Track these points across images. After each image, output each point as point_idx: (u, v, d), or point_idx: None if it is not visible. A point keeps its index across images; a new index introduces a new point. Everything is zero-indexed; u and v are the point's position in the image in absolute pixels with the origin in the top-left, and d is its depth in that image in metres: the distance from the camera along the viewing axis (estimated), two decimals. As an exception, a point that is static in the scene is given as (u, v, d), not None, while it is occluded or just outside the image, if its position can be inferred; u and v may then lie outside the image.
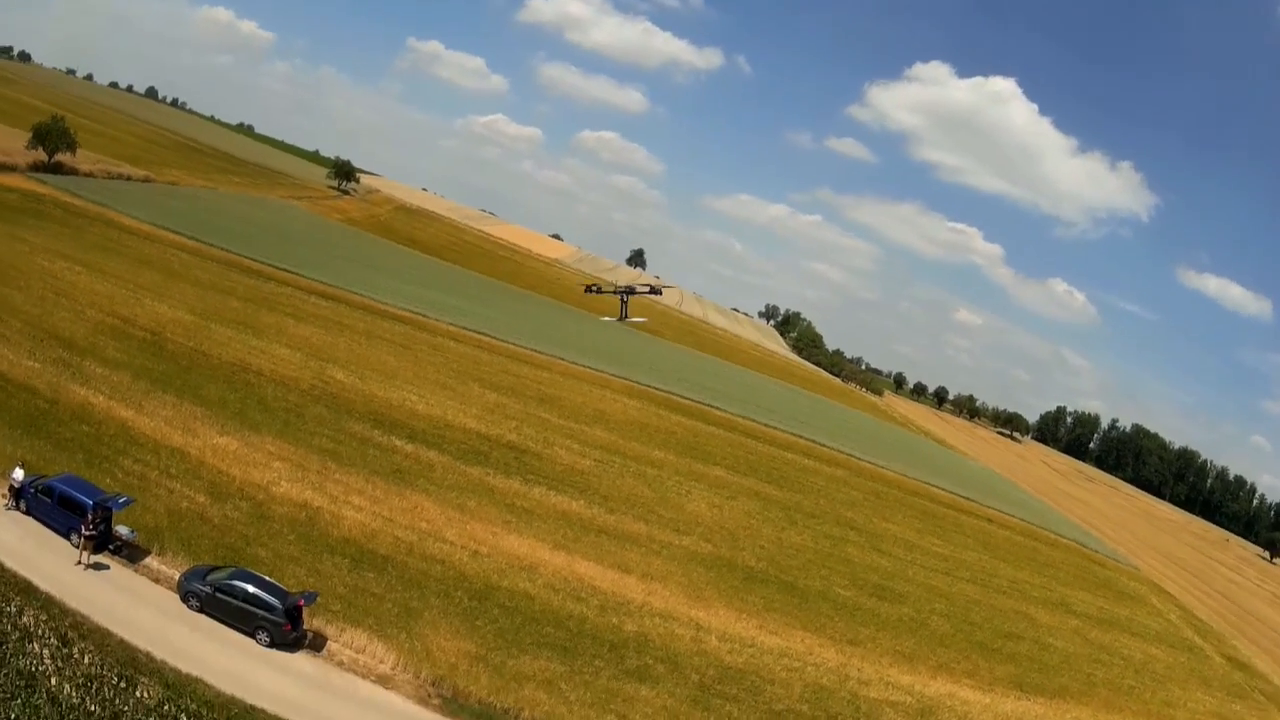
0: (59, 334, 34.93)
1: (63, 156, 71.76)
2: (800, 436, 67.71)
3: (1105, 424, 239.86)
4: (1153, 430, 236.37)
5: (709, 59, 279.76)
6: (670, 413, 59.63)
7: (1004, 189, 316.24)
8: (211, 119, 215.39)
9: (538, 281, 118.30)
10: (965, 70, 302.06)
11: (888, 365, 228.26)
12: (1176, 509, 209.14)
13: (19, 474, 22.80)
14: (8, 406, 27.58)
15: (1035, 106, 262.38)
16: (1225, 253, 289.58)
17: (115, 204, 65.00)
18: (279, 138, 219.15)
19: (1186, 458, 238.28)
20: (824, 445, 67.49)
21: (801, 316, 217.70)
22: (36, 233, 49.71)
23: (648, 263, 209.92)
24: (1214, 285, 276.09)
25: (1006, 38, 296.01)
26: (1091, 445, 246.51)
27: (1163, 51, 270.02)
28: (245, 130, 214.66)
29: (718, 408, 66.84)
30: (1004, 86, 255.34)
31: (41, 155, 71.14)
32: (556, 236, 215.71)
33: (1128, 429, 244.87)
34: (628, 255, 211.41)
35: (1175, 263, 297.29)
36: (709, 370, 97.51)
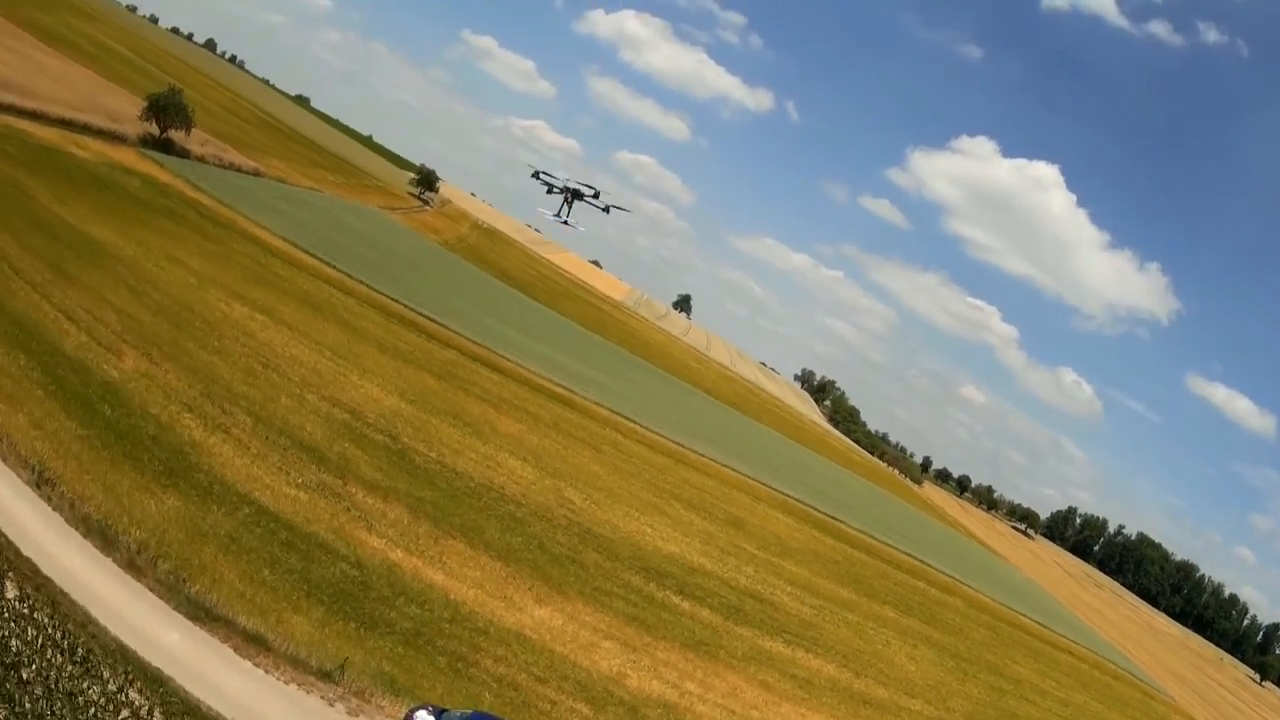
0: (296, 435, 28.54)
1: (176, 134, 61.64)
2: (919, 560, 66.31)
3: (1112, 528, 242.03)
4: (1156, 539, 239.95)
5: (759, 100, 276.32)
6: (821, 533, 57.27)
7: (1030, 273, 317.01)
8: (266, 83, 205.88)
9: (626, 336, 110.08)
10: (1010, 150, 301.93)
11: (885, 427, 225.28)
12: (1173, 623, 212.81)
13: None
14: (309, 576, 21.34)
15: (1075, 197, 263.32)
16: (1239, 366, 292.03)
17: (241, 206, 57.11)
18: (327, 111, 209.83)
19: (1186, 571, 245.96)
20: (936, 569, 66.29)
21: (836, 385, 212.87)
22: (183, 247, 42.25)
23: (693, 309, 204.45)
24: (1222, 396, 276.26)
25: (1057, 124, 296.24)
26: (1096, 548, 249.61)
27: (1209, 161, 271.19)
28: (302, 103, 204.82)
29: (842, 520, 64.31)
30: (1046, 173, 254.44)
31: (153, 128, 61.11)
32: (596, 263, 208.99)
33: (1133, 536, 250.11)
34: (674, 300, 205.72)
35: (1187, 369, 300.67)
36: (803, 463, 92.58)
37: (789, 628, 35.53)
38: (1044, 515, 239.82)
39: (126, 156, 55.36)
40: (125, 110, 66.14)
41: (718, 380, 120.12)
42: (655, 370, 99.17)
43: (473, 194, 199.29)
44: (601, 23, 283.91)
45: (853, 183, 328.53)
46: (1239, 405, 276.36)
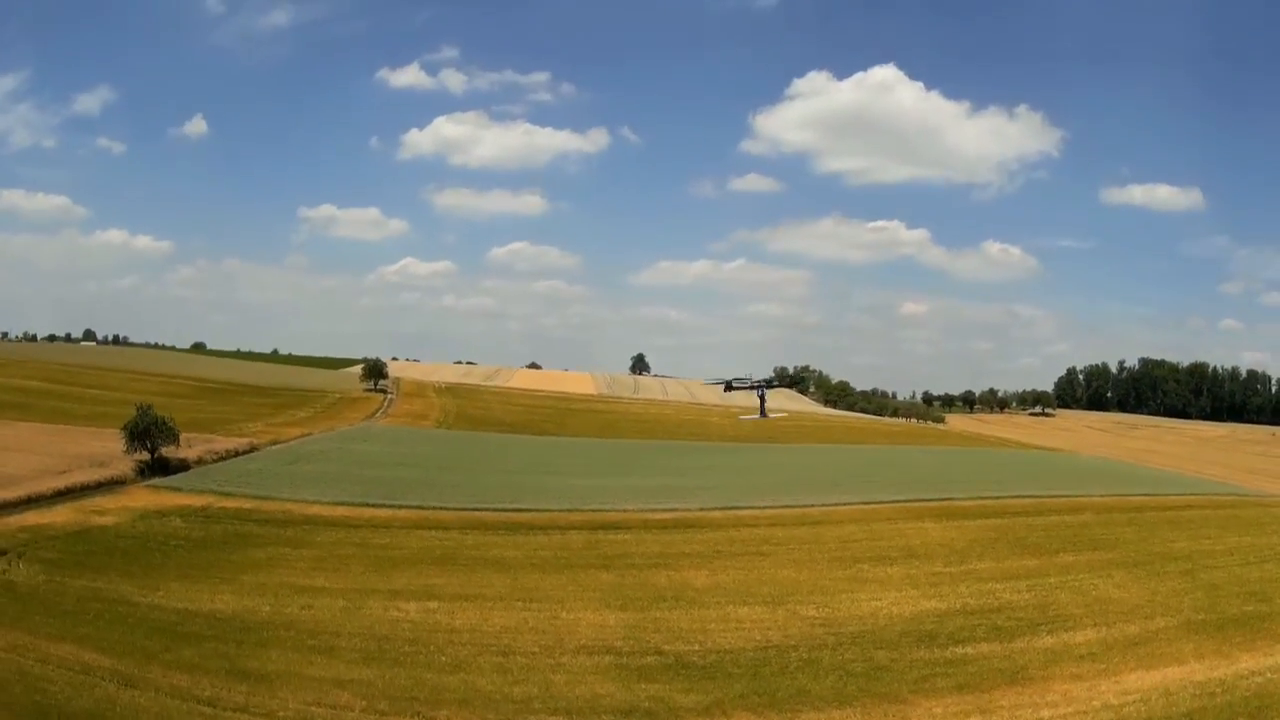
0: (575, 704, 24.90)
1: (168, 450, 56.95)
2: (1028, 496, 61.79)
3: (1114, 368, 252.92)
4: (1157, 357, 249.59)
5: (596, 140, 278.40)
6: (951, 520, 52.11)
7: (913, 174, 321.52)
8: (161, 346, 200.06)
9: (646, 427, 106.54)
10: (842, 72, 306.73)
11: (850, 379, 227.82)
12: (1214, 424, 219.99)
13: None
14: None
15: (920, 84, 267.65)
16: (1143, 158, 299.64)
17: (280, 492, 52.10)
18: (223, 346, 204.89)
19: (1199, 373, 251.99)
20: (1045, 496, 62.16)
21: (810, 368, 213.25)
22: (286, 570, 37.48)
23: (650, 365, 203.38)
24: (1139, 194, 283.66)
25: (873, 26, 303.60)
26: (1109, 394, 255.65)
27: None
28: (199, 349, 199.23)
29: (951, 498, 59.58)
30: (884, 75, 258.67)
31: (141, 454, 56.43)
32: (535, 365, 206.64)
33: (1136, 366, 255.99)
34: (629, 364, 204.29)
35: (1097, 185, 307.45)
36: (869, 460, 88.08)
37: (1036, 620, 33.60)
38: (1041, 387, 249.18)
39: (143, 498, 50.22)
40: (103, 449, 61.12)
41: (728, 427, 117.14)
42: (689, 444, 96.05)
43: (405, 358, 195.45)
44: (420, 141, 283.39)
45: (714, 172, 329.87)
46: (1159, 194, 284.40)
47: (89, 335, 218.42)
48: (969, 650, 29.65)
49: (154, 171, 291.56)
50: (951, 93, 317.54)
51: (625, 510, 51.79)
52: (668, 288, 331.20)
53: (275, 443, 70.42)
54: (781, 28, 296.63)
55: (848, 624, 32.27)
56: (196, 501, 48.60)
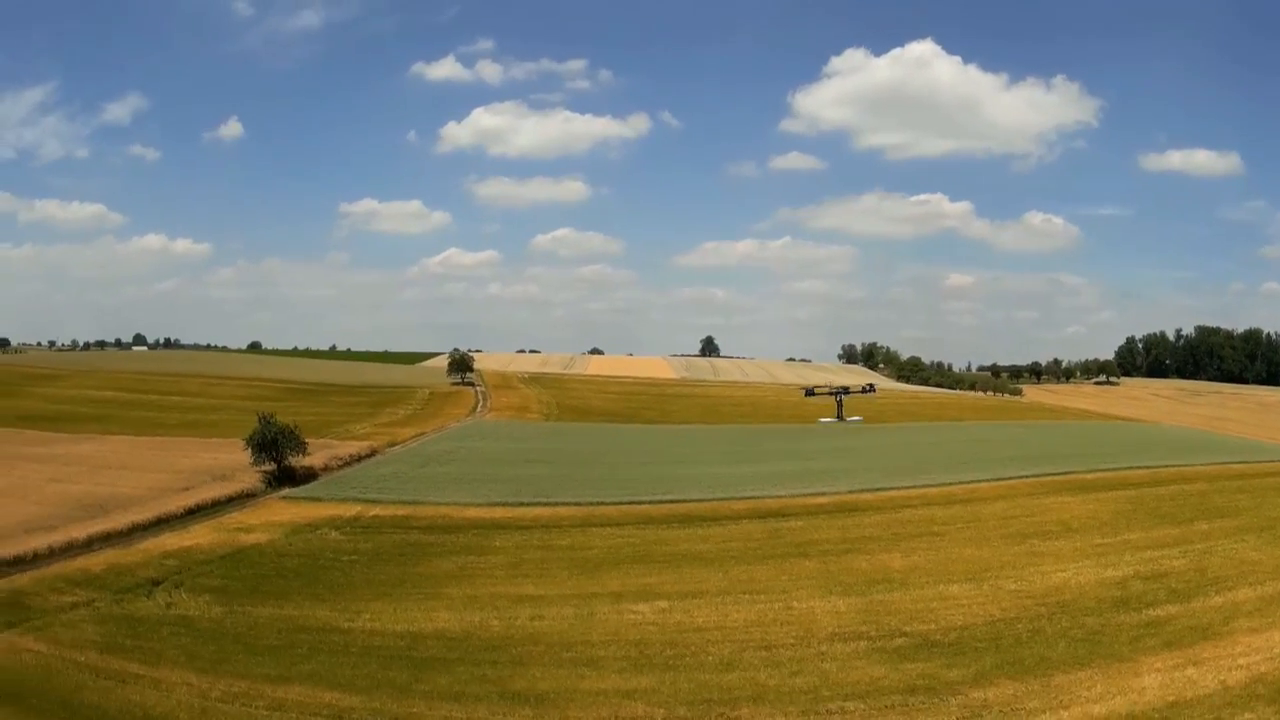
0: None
1: (294, 459, 53.61)
2: (1144, 467, 59.89)
3: (1171, 336, 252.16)
4: (1215, 326, 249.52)
5: (636, 125, 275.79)
6: (1090, 493, 50.95)
7: (953, 146, 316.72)
8: (212, 348, 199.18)
9: (748, 412, 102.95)
10: (880, 48, 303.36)
11: (900, 350, 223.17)
12: (1272, 389, 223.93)
13: None
14: None
15: (958, 58, 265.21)
16: (1181, 124, 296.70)
17: (428, 497, 49.52)
18: (279, 346, 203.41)
19: (1254, 339, 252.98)
20: (1159, 466, 60.59)
21: (880, 344, 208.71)
22: (487, 580, 34.76)
23: (719, 347, 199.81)
24: (1178, 159, 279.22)
25: (908, 1, 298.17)
26: (1168, 361, 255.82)
27: None
28: (256, 349, 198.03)
29: (1074, 472, 57.64)
30: (922, 49, 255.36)
31: (267, 465, 53.12)
32: (597, 351, 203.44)
33: (1192, 334, 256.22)
34: (699, 348, 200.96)
35: (1136, 152, 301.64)
36: (990, 439, 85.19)
37: (1201, 583, 33.95)
38: (1089, 354, 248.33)
39: (283, 511, 47.11)
40: (215, 460, 58.54)
41: (821, 407, 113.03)
42: (796, 428, 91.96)
43: (465, 348, 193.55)
44: (459, 133, 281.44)
45: (755, 153, 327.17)
46: (1198, 158, 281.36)
47: (139, 340, 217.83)
48: (1158, 612, 30.19)
49: (189, 175, 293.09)
50: (989, 65, 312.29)
51: (780, 497, 49.43)
52: (713, 268, 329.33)
53: (393, 444, 67.37)
54: (817, 6, 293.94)
55: (1048, 595, 32.59)
56: (344, 511, 45.45)
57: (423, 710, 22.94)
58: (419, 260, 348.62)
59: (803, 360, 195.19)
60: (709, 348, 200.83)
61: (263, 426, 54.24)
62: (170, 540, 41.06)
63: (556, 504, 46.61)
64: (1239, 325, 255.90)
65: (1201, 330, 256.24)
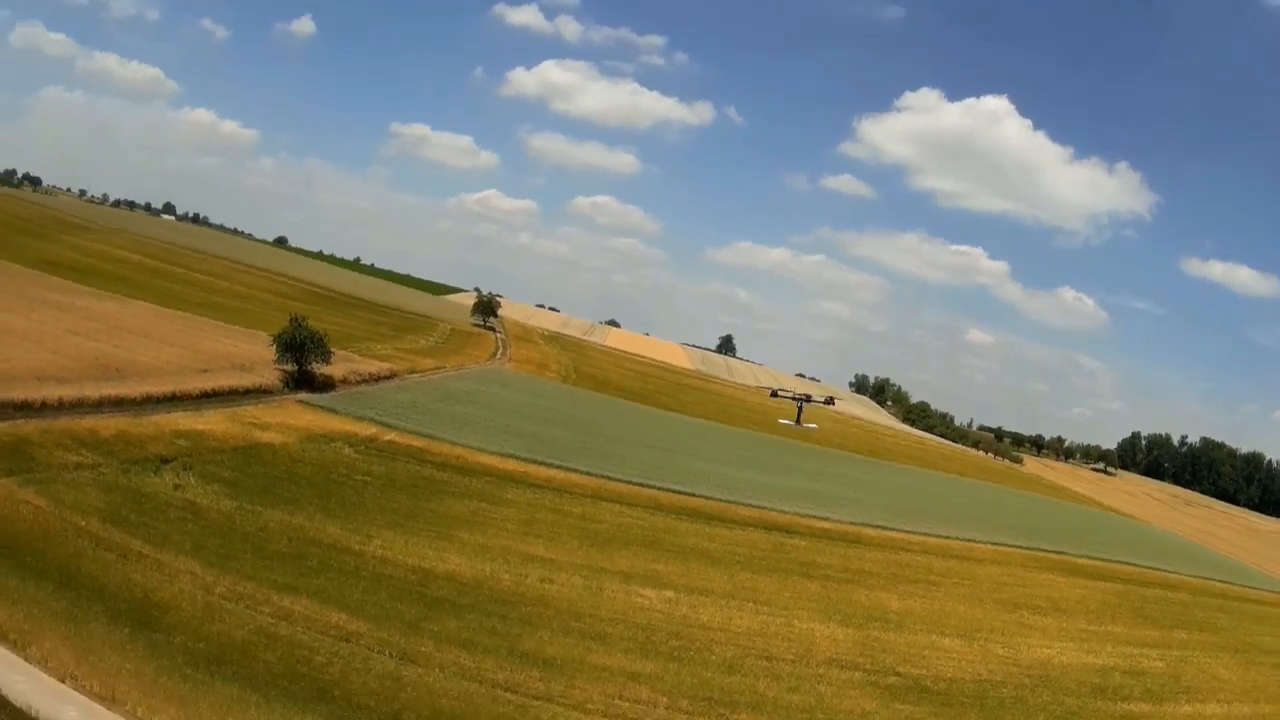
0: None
1: (317, 366, 53.00)
2: (1132, 564, 60.87)
3: (1175, 440, 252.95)
4: (1219, 440, 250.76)
5: (700, 114, 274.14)
6: (1080, 578, 51.66)
7: (1004, 207, 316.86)
8: (239, 233, 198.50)
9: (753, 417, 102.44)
10: (955, 94, 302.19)
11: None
12: (1264, 516, 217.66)
13: None
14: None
15: (1029, 121, 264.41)
16: (1229, 238, 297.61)
17: (443, 434, 48.86)
18: (306, 246, 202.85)
19: (1254, 462, 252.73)
20: (1143, 566, 61.59)
21: (891, 382, 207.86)
22: (497, 531, 34.22)
23: (736, 347, 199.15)
24: (1220, 271, 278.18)
25: (993, 56, 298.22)
26: (1167, 464, 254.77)
27: (1147, 48, 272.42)
28: (282, 244, 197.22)
29: (1065, 552, 57.93)
30: (995, 105, 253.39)
31: (287, 365, 52.47)
32: (613, 322, 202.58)
33: (1196, 443, 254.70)
34: (716, 344, 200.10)
35: (1180, 254, 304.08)
36: (995, 502, 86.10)
37: (1173, 688, 35.16)
38: (1090, 439, 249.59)
39: (300, 415, 46.52)
40: (235, 349, 57.80)
41: (828, 431, 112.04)
42: (806, 446, 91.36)
43: (487, 291, 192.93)
44: (525, 81, 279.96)
45: (810, 167, 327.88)
46: (1239, 275, 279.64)
47: (168, 208, 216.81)
48: (1132, 708, 31.28)
49: (253, 60, 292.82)
50: (1057, 135, 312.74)
51: (786, 513, 49.14)
52: (743, 269, 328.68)
53: (413, 371, 66.85)
54: (903, 40, 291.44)
55: (1033, 668, 33.29)
56: (360, 429, 45.03)
57: (430, 650, 22.57)
58: (458, 194, 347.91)
59: (812, 379, 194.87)
60: (726, 346, 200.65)
61: (293, 327, 53.51)
62: (183, 420, 40.46)
63: (569, 469, 46.24)
64: (1243, 444, 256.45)
65: (1206, 442, 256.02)
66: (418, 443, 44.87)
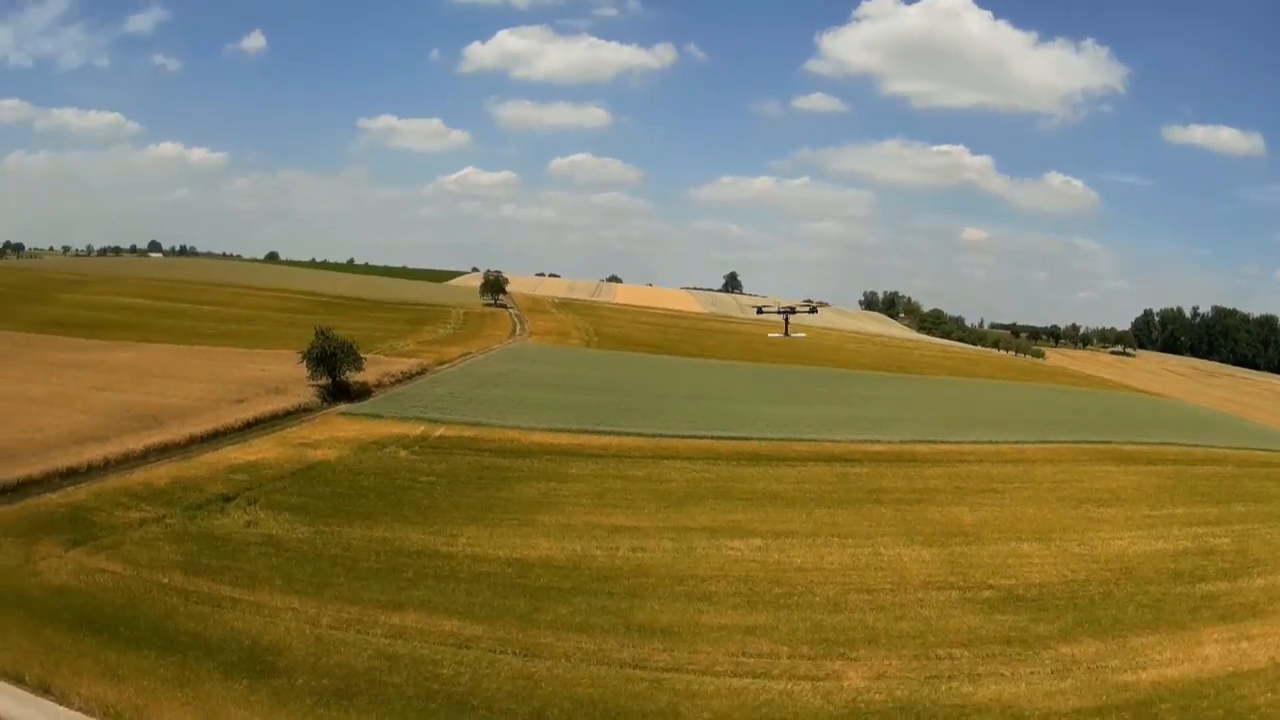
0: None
1: (350, 375, 52.69)
2: (1180, 444, 59.96)
3: (1187, 313, 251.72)
4: (1229, 307, 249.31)
5: (661, 56, 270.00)
6: (1135, 465, 51.32)
7: (978, 100, 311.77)
8: (229, 257, 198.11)
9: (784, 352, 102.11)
10: None
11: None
12: None
13: None
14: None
15: (988, 12, 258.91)
16: (1207, 100, 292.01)
17: (490, 419, 48.38)
18: (297, 257, 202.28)
19: (1269, 324, 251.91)
20: (1189, 444, 60.50)
21: (901, 294, 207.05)
22: (569, 509, 34.04)
23: (742, 284, 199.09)
24: (1202, 134, 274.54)
25: None
26: (1183, 338, 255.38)
27: None
28: (274, 260, 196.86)
29: (1112, 441, 57.38)
30: (953, 1, 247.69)
31: (321, 379, 52.22)
32: (615, 278, 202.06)
33: (1209, 313, 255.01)
34: (721, 284, 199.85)
35: (1160, 124, 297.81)
36: (1025, 400, 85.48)
37: (1244, 563, 35.18)
38: (1098, 321, 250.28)
39: (346, 427, 46.29)
40: (262, 372, 57.43)
41: (854, 353, 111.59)
42: (834, 371, 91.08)
43: (483, 269, 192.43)
44: (482, 54, 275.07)
45: (779, 91, 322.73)
46: (1222, 136, 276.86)
47: (154, 246, 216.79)
48: (1210, 587, 31.60)
49: (210, 87, 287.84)
50: (1019, 22, 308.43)
51: (839, 441, 49.16)
52: (729, 203, 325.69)
53: (441, 363, 66.48)
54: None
55: (1111, 561, 33.63)
56: (409, 430, 44.88)
57: (551, 641, 22.55)
58: (435, 178, 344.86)
59: (821, 303, 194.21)
60: (732, 284, 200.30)
61: (321, 340, 53.01)
62: (233, 454, 40.17)
63: (623, 434, 46.18)
64: (1251, 308, 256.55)
65: (1219, 311, 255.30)
66: (469, 433, 44.79)
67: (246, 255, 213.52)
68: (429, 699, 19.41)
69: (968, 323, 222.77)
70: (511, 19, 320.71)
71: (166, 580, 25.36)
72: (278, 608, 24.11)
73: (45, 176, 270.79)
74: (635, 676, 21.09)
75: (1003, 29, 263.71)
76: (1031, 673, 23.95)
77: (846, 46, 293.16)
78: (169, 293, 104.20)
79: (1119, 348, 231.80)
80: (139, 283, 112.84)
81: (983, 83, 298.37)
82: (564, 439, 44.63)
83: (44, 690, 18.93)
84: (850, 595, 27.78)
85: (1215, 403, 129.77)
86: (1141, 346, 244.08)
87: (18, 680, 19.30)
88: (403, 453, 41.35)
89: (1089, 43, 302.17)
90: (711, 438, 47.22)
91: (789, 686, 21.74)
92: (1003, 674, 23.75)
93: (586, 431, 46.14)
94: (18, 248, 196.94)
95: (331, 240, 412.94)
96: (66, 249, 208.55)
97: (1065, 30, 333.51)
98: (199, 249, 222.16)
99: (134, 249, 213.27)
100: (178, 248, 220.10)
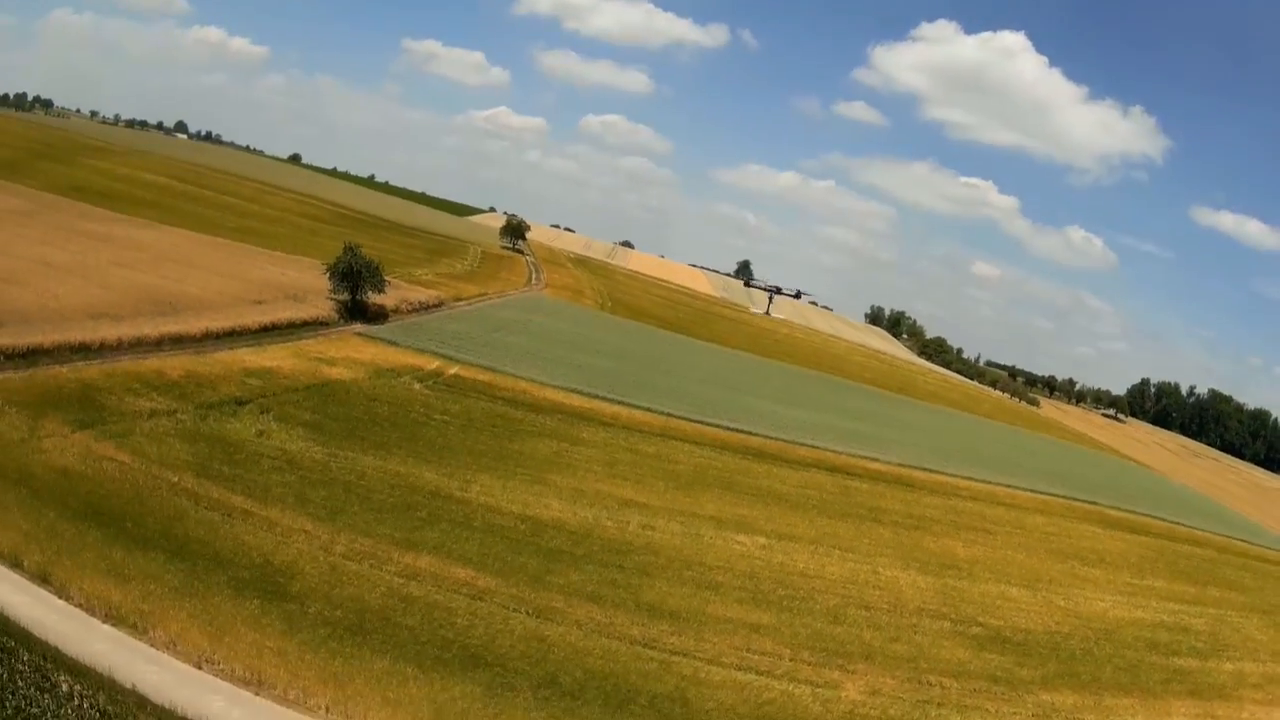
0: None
1: (372, 296, 52.33)
2: (1157, 518, 60.87)
3: (1184, 390, 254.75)
4: (1223, 392, 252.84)
5: (714, 36, 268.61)
6: (1115, 530, 52.07)
7: (1016, 141, 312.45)
8: (252, 150, 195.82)
9: (790, 349, 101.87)
10: (972, 27, 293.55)
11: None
12: (1270, 474, 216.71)
13: None
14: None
15: (1045, 59, 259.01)
16: (1241, 189, 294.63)
17: (504, 366, 48.35)
18: (319, 163, 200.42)
19: (1260, 418, 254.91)
20: (1166, 520, 61.55)
21: (907, 315, 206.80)
22: (587, 473, 34.30)
23: (754, 274, 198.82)
24: (1230, 222, 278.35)
25: None
26: (1174, 414, 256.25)
27: None
28: (295, 161, 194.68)
29: (1098, 503, 58.18)
30: (1013, 40, 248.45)
31: (341, 294, 51.78)
32: (628, 243, 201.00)
33: (1204, 395, 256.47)
34: (734, 269, 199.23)
35: (1191, 202, 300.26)
36: (1022, 447, 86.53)
37: (1215, 646, 36.26)
38: (1089, 381, 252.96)
39: (362, 349, 45.95)
40: (283, 276, 56.87)
41: (860, 366, 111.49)
42: (840, 381, 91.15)
43: (497, 209, 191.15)
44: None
45: (823, 93, 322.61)
46: (1248, 227, 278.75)
47: (180, 127, 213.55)
48: (1183, 663, 32.71)
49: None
50: (1073, 74, 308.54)
51: (840, 454, 49.41)
52: (752, 191, 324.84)
53: (458, 299, 66.41)
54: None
55: (1093, 620, 34.54)
56: (424, 363, 44.89)
57: (562, 606, 22.61)
58: (466, 111, 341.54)
59: (824, 307, 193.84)
60: (744, 271, 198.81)
61: (349, 256, 52.46)
62: (249, 357, 39.74)
63: (633, 406, 46.30)
64: (1245, 398, 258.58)
65: (1214, 395, 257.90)
66: (483, 377, 44.66)
67: (269, 152, 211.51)
68: (443, 648, 19.39)
69: (966, 355, 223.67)
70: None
71: (176, 480, 24.78)
72: (290, 528, 23.76)
73: (86, 37, 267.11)
74: (645, 655, 21.28)
75: (1055, 77, 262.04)
76: (1014, 713, 24.71)
77: (897, 63, 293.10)
78: (194, 177, 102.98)
79: (1111, 411, 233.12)
80: (163, 161, 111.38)
81: (1024, 125, 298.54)
82: (576, 400, 44.57)
83: (42, 579, 18.23)
84: (850, 609, 28.26)
85: (1197, 483, 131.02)
86: (1133, 414, 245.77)
87: (14, 564, 18.51)
88: (417, 385, 41.16)
89: (1137, 109, 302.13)
90: (719, 426, 47.33)
91: (790, 689, 22.12)
92: (988, 710, 24.42)
93: (599, 397, 46.06)
94: (47, 104, 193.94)
95: (354, 152, 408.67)
96: (94, 114, 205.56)
97: (1117, 92, 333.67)
98: (224, 138, 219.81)
99: (160, 126, 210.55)
100: (203, 133, 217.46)
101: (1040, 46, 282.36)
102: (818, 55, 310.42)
